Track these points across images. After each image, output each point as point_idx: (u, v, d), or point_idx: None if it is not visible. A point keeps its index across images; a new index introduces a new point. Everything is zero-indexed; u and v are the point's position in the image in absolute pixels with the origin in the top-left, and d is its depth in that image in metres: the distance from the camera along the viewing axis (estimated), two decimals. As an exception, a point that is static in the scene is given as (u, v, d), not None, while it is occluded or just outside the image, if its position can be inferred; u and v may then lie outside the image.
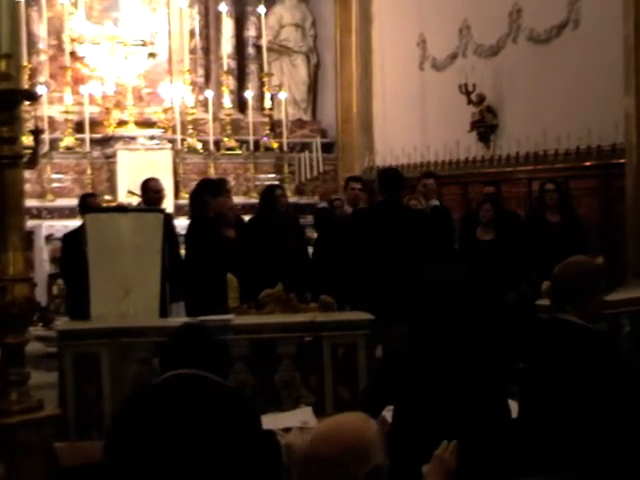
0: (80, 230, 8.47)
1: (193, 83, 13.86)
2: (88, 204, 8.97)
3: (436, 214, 9.52)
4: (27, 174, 10.37)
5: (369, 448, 2.56)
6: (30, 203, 11.41)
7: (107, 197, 12.26)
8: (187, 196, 10.49)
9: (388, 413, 5.12)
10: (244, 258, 8.62)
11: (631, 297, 7.48)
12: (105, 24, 13.48)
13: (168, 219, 8.25)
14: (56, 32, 13.27)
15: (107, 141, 12.83)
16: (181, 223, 9.52)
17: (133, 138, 12.73)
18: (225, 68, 14.03)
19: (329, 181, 14.31)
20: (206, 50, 14.33)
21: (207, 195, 8.36)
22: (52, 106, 12.88)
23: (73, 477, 4.55)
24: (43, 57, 13.13)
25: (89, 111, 12.67)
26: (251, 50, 14.55)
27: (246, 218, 9.79)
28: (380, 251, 7.79)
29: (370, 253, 7.87)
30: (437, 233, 9.06)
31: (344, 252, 8.44)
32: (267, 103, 14.10)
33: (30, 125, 11.04)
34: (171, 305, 8.34)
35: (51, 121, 12.69)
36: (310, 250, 9.69)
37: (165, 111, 13.40)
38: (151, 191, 9.24)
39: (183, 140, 13.25)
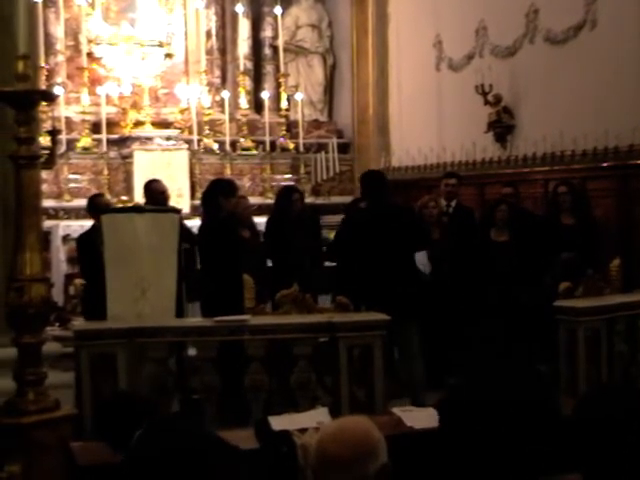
0: (93, 230, 8.51)
1: (209, 84, 13.88)
2: (97, 204, 9.02)
3: (459, 214, 9.53)
4: (44, 174, 10.40)
5: (376, 446, 2.60)
6: (47, 203, 11.45)
7: (124, 197, 12.30)
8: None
9: (403, 413, 5.13)
10: (259, 258, 8.64)
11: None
12: (122, 25, 13.52)
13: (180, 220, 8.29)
14: (73, 33, 13.30)
15: (124, 141, 12.86)
16: (196, 223, 9.54)
17: (150, 138, 12.75)
18: (241, 69, 14.04)
19: (345, 182, 14.32)
20: (222, 51, 14.35)
21: (220, 196, 8.38)
22: (69, 107, 12.93)
23: (89, 476, 4.56)
24: (60, 58, 13.16)
25: (106, 112, 12.70)
26: (267, 51, 14.55)
27: (261, 218, 9.82)
28: (370, 253, 7.77)
29: (362, 256, 7.85)
30: (457, 233, 9.08)
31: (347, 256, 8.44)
32: (283, 104, 14.12)
33: (47, 126, 11.09)
34: (187, 305, 8.38)
35: (68, 122, 12.73)
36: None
37: (182, 112, 13.43)
38: (156, 193, 9.30)
39: (199, 141, 13.26)
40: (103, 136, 12.62)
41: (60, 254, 11.66)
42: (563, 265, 8.44)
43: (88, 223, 9.31)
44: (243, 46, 14.19)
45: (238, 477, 3.60)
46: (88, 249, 8.45)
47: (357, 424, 2.67)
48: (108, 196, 11.21)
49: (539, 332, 7.90)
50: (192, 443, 3.58)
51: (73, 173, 12.59)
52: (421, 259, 8.36)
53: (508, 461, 3.54)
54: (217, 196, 8.44)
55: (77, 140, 12.77)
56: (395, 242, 7.78)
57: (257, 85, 14.39)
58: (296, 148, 13.90)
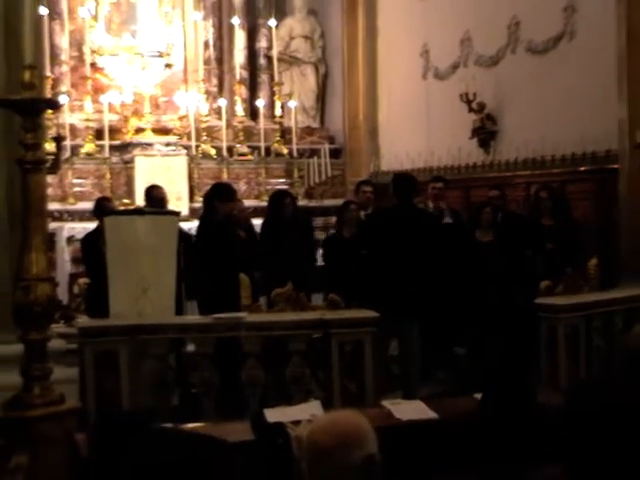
0: (97, 231, 8.50)
1: (207, 92, 13.87)
2: (103, 207, 9.01)
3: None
4: (49, 179, 10.40)
5: (364, 437, 2.61)
6: (52, 206, 11.44)
7: (125, 200, 12.28)
8: (201, 199, 10.48)
9: (392, 406, 5.12)
10: (255, 258, 8.63)
11: (624, 296, 7.50)
12: (123, 36, 13.50)
13: None
14: (77, 44, 13.31)
15: (125, 147, 12.85)
16: (195, 225, 9.54)
17: (150, 144, 12.74)
18: (238, 78, 14.04)
19: (337, 185, 14.33)
20: (219, 60, 14.35)
21: (216, 200, 8.37)
22: (73, 114, 12.90)
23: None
24: (65, 68, 13.15)
25: (108, 119, 12.68)
26: (262, 60, 14.55)
27: (257, 220, 9.82)
28: (393, 254, 7.71)
29: (383, 256, 7.78)
30: (448, 234, 9.06)
31: (356, 255, 8.38)
32: (278, 111, 14.13)
33: (52, 132, 11.07)
34: (186, 303, 8.37)
35: (72, 128, 12.70)
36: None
37: (180, 119, 13.41)
38: (157, 198, 9.31)
39: (197, 146, 13.25)
40: (106, 142, 12.60)
41: (65, 254, 11.64)
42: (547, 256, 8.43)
43: (91, 225, 9.30)
44: (239, 56, 14.18)
45: (232, 469, 3.59)
46: (92, 249, 8.44)
47: (347, 417, 2.68)
48: (110, 199, 11.18)
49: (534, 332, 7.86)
50: (186, 446, 3.54)
51: (77, 177, 12.57)
52: None
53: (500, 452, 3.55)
54: (213, 200, 8.44)
55: (81, 146, 12.76)
56: (419, 244, 7.73)
57: (252, 93, 14.39)
58: (290, 153, 13.91)
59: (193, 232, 8.98)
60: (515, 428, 3.34)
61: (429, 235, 7.85)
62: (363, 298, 7.46)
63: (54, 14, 12.80)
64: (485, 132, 11.05)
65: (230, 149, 13.58)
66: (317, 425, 2.67)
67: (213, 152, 13.43)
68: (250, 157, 13.70)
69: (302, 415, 4.36)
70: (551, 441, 2.92)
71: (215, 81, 14.25)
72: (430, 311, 7.82)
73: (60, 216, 12.16)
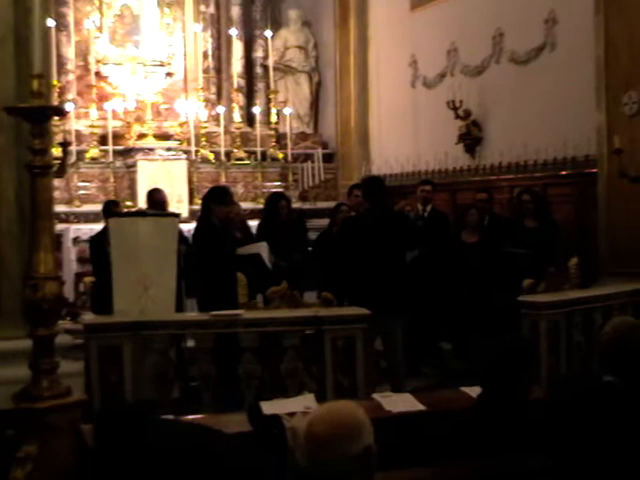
0: (103, 232, 8.50)
1: (206, 99, 13.88)
2: (111, 210, 9.02)
3: (434, 218, 9.53)
4: (56, 182, 10.39)
5: (360, 428, 2.58)
6: (59, 209, 11.42)
7: (128, 203, 12.28)
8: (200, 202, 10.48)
9: (382, 399, 5.12)
10: (252, 258, 8.63)
11: (603, 293, 7.51)
12: (127, 47, 13.53)
13: None
14: (83, 54, 13.33)
15: (128, 152, 12.85)
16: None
17: (152, 149, 12.75)
18: (235, 86, 14.06)
19: (330, 188, 14.34)
20: (218, 70, 14.36)
21: (212, 203, 8.37)
22: (79, 121, 12.90)
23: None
24: (71, 77, 13.16)
25: (112, 125, 12.71)
26: (259, 70, 14.56)
27: (254, 222, 9.82)
28: (371, 253, 7.70)
29: (362, 256, 7.76)
30: (432, 235, 9.05)
31: (340, 255, 8.37)
32: (273, 118, 14.13)
33: (59, 138, 11.06)
34: (186, 300, 8.36)
35: (78, 134, 12.70)
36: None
37: (181, 125, 13.41)
38: (158, 201, 9.32)
39: (197, 151, 13.26)
40: (110, 147, 12.62)
41: (71, 254, 11.64)
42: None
43: (96, 226, 9.29)
44: (237, 65, 14.20)
45: (230, 458, 3.58)
46: (98, 250, 8.44)
47: (345, 408, 2.65)
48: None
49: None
50: (186, 436, 3.51)
51: (82, 181, 12.59)
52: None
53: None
54: (209, 202, 8.43)
55: (86, 151, 12.76)
56: (394, 243, 7.72)
57: (249, 101, 14.40)
58: (285, 158, 13.91)
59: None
60: (510, 424, 3.35)
61: (400, 234, 7.82)
62: (348, 296, 7.47)
63: (61, 26, 12.82)
64: (471, 138, 11.08)
65: (228, 154, 13.58)
66: (315, 416, 2.63)
67: (212, 157, 13.43)
68: (247, 161, 13.70)
69: (296, 407, 4.38)
70: (539, 433, 2.92)
71: (214, 89, 14.26)
72: (413, 309, 7.81)
73: (66, 218, 12.15)
